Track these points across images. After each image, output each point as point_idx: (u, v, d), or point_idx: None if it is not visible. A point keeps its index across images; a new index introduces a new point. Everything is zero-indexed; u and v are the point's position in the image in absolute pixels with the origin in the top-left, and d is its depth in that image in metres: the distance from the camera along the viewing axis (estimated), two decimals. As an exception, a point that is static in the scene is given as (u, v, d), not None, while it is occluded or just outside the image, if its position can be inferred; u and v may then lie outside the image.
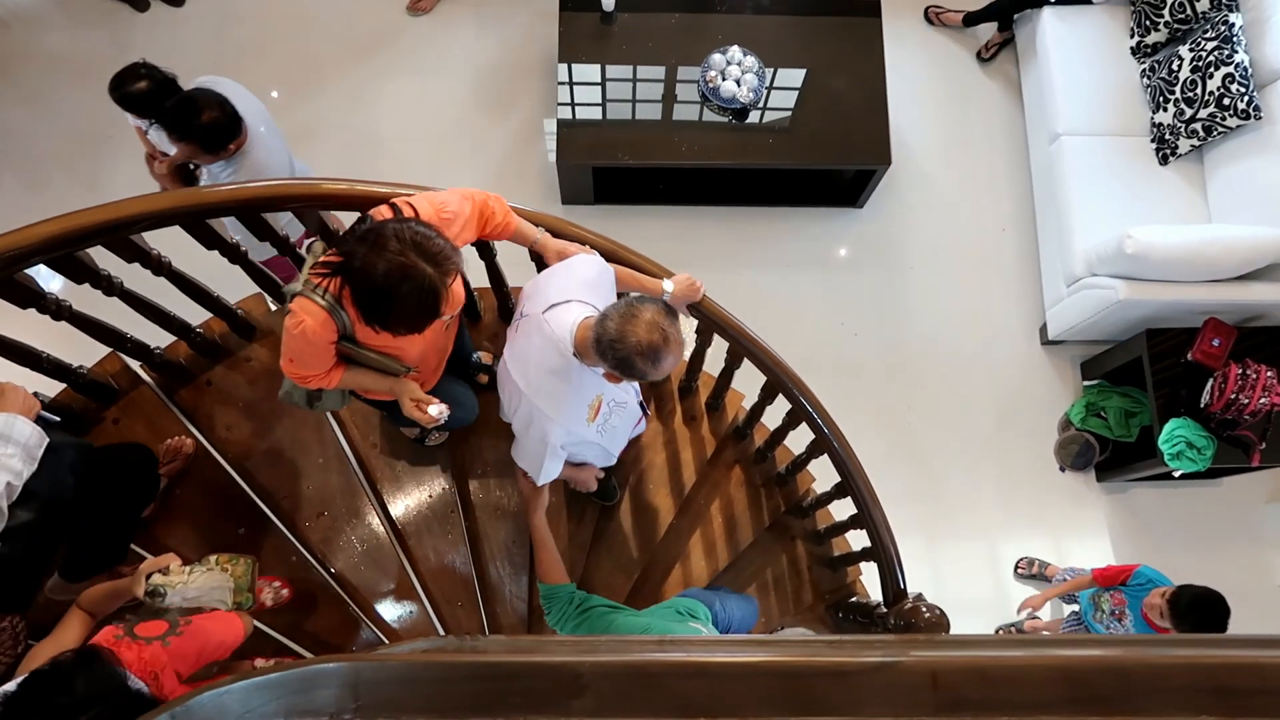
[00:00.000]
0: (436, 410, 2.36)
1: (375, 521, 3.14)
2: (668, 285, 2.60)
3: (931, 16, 5.10)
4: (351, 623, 3.07)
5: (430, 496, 3.22)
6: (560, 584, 2.46)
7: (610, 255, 2.74)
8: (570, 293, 2.27)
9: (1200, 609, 3.04)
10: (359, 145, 4.77)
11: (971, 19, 4.98)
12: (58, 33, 4.92)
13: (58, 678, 1.82)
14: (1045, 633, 4.08)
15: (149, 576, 2.22)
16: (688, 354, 3.35)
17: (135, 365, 3.08)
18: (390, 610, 3.09)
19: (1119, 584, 3.41)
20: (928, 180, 4.85)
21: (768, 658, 1.27)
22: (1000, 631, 4.16)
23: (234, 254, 2.75)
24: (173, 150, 3.20)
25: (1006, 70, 5.07)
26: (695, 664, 1.25)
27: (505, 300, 3.28)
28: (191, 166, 3.22)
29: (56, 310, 2.53)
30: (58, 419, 2.84)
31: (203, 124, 2.92)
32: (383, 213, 2.12)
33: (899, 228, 4.78)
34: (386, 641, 3.03)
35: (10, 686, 1.81)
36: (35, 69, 4.85)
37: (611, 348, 2.03)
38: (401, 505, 3.21)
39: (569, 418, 2.30)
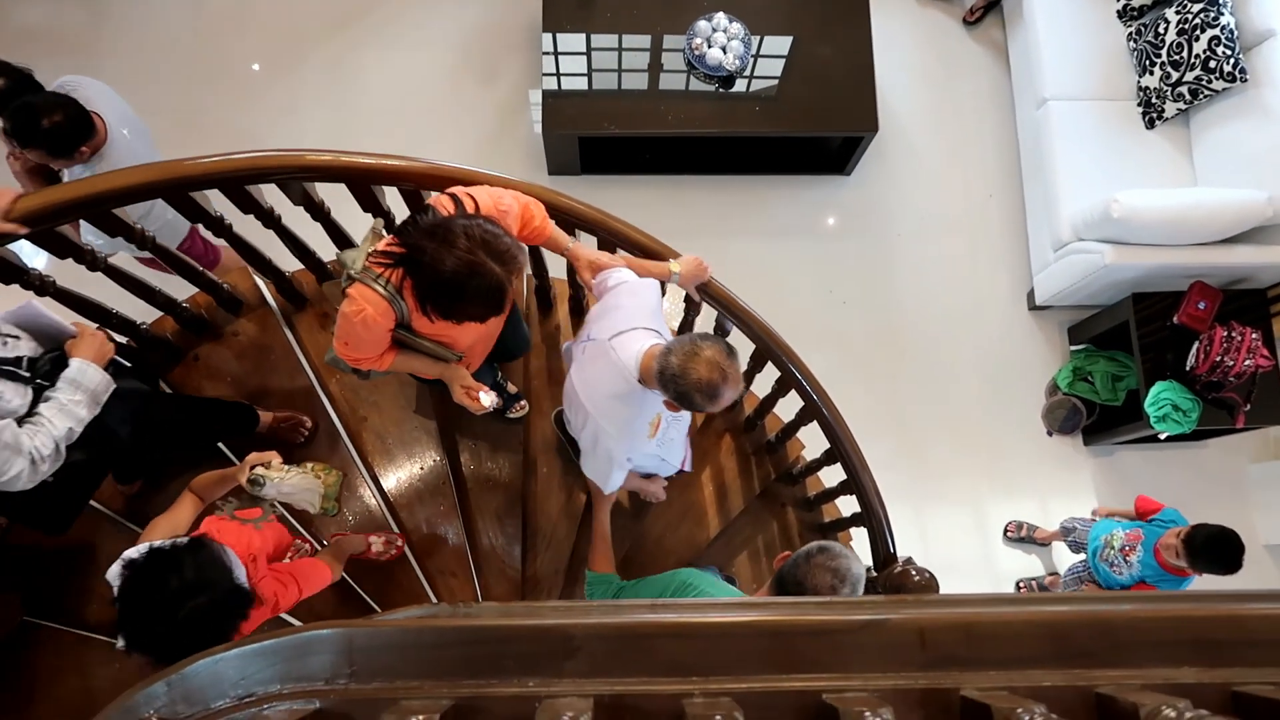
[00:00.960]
0: (488, 400, 2.44)
1: (367, 494, 3.15)
2: (675, 267, 2.64)
3: None
4: (344, 594, 3.08)
5: (421, 469, 3.22)
6: (607, 573, 2.70)
7: (612, 232, 2.75)
8: (635, 320, 2.36)
9: (1216, 546, 3.10)
10: (341, 117, 4.72)
11: (959, -15, 4.96)
12: (33, 5, 4.84)
13: (172, 558, 1.93)
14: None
15: (253, 466, 2.34)
16: (676, 324, 3.35)
17: (122, 340, 3.06)
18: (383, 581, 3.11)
19: (1145, 520, 3.46)
20: (915, 147, 4.84)
21: (756, 617, 1.28)
22: (1021, 586, 4.22)
23: (219, 226, 2.73)
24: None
25: (993, 35, 5.05)
26: (685, 624, 1.26)
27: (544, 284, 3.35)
28: (55, 168, 3.06)
29: (40, 286, 2.51)
30: (129, 365, 2.82)
31: (44, 129, 2.80)
32: (444, 204, 2.15)
33: (886, 195, 4.77)
34: (380, 611, 3.04)
35: (133, 553, 1.97)
36: (8, 42, 4.76)
37: (673, 381, 2.11)
38: (393, 478, 3.21)
39: (632, 436, 2.44)
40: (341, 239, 2.99)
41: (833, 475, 3.35)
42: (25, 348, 2.19)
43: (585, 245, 2.65)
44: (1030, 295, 4.60)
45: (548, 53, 4.29)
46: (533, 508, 3.36)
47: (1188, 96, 4.18)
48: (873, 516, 3.09)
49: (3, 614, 2.73)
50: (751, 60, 4.30)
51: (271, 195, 2.76)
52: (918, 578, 2.87)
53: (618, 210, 2.81)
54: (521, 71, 4.87)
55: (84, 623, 2.83)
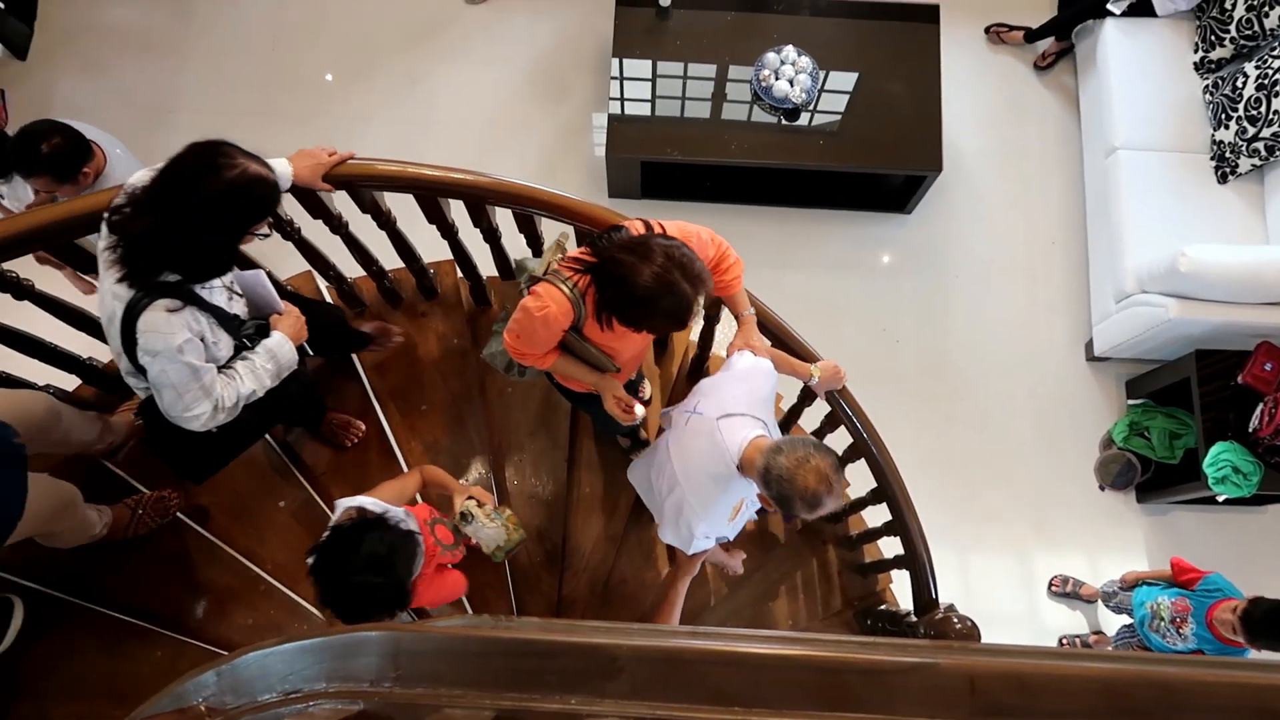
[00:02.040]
0: (640, 411, 2.52)
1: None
2: (815, 372, 2.71)
3: (993, 35, 5.04)
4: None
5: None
6: None
7: (766, 323, 2.80)
8: (746, 407, 2.38)
9: (1276, 623, 2.94)
10: (409, 129, 4.81)
11: (1033, 36, 4.92)
12: (121, 6, 5.02)
13: (382, 530, 2.18)
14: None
15: (468, 498, 2.59)
16: (699, 328, 3.32)
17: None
18: (421, 589, 3.12)
19: (1187, 588, 3.33)
20: (978, 189, 4.80)
21: (805, 651, 1.27)
22: (1064, 642, 4.12)
23: (288, 230, 2.79)
24: (32, 198, 3.14)
25: (1063, 81, 5.00)
26: (731, 653, 1.25)
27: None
28: (60, 195, 3.06)
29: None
30: (310, 352, 2.88)
31: (45, 155, 2.85)
32: (636, 227, 2.22)
33: (946, 236, 4.73)
34: (415, 618, 3.06)
35: (357, 503, 2.30)
36: (98, 41, 4.95)
37: (778, 482, 2.12)
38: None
39: (715, 516, 2.46)
40: (405, 249, 3.05)
41: (876, 515, 3.30)
42: (240, 308, 2.32)
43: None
44: (1089, 345, 4.52)
45: (616, 77, 4.34)
46: (573, 527, 3.36)
47: (1263, 152, 4.09)
48: (916, 560, 3.04)
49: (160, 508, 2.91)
50: (817, 94, 4.31)
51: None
52: (959, 625, 2.82)
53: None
54: (587, 94, 4.93)
55: (130, 608, 2.88)
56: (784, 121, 4.31)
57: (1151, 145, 4.35)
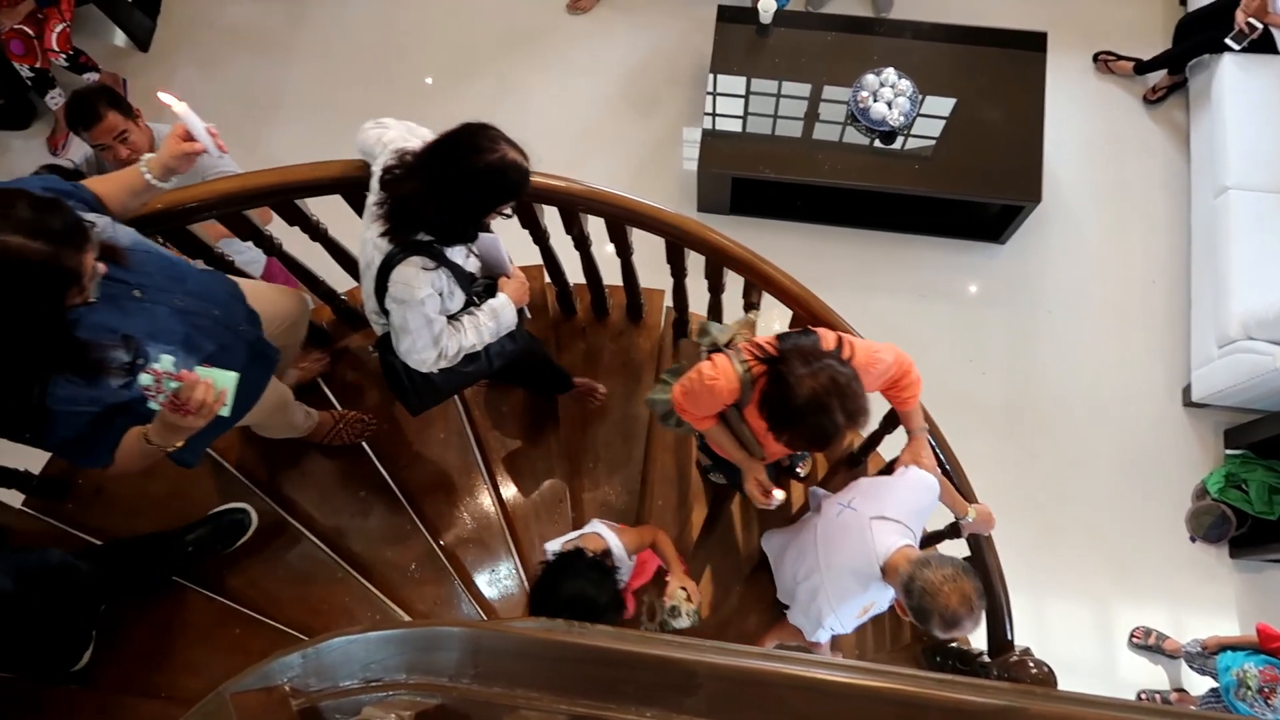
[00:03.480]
0: (779, 497, 2.58)
1: (486, 502, 3.21)
2: (971, 514, 2.73)
3: (1101, 65, 4.91)
4: (450, 597, 3.13)
5: (542, 485, 3.27)
6: None
7: (772, 282, 2.77)
8: (902, 515, 2.41)
9: None
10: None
11: (1143, 68, 4.77)
12: (239, 5, 5.22)
13: (601, 575, 2.30)
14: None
15: (681, 588, 2.67)
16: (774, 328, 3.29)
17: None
18: (490, 589, 3.15)
19: (1277, 655, 3.17)
20: (1077, 222, 4.66)
21: (888, 685, 1.24)
22: (1143, 697, 3.96)
23: (313, 232, 2.86)
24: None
25: (1174, 116, 4.84)
26: (812, 679, 1.22)
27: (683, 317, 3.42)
28: None
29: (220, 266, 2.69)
30: (529, 315, 2.95)
31: (99, 90, 3.08)
32: (828, 338, 2.26)
33: (1041, 268, 4.60)
34: (485, 618, 3.09)
35: (611, 542, 2.50)
36: (214, 37, 5.15)
37: (920, 595, 2.16)
38: (513, 488, 3.27)
39: (846, 611, 2.49)
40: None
41: (954, 548, 3.22)
42: (474, 266, 2.47)
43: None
44: (1186, 391, 4.34)
45: (712, 93, 4.34)
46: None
47: (1388, 200, 3.89)
48: (993, 598, 2.96)
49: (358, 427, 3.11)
50: (914, 118, 4.25)
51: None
52: (1035, 670, 2.73)
53: (762, 254, 2.81)
54: (680, 108, 4.94)
55: (221, 588, 2.98)
56: (879, 144, 4.26)
57: (1266, 187, 4.17)
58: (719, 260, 2.77)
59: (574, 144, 4.86)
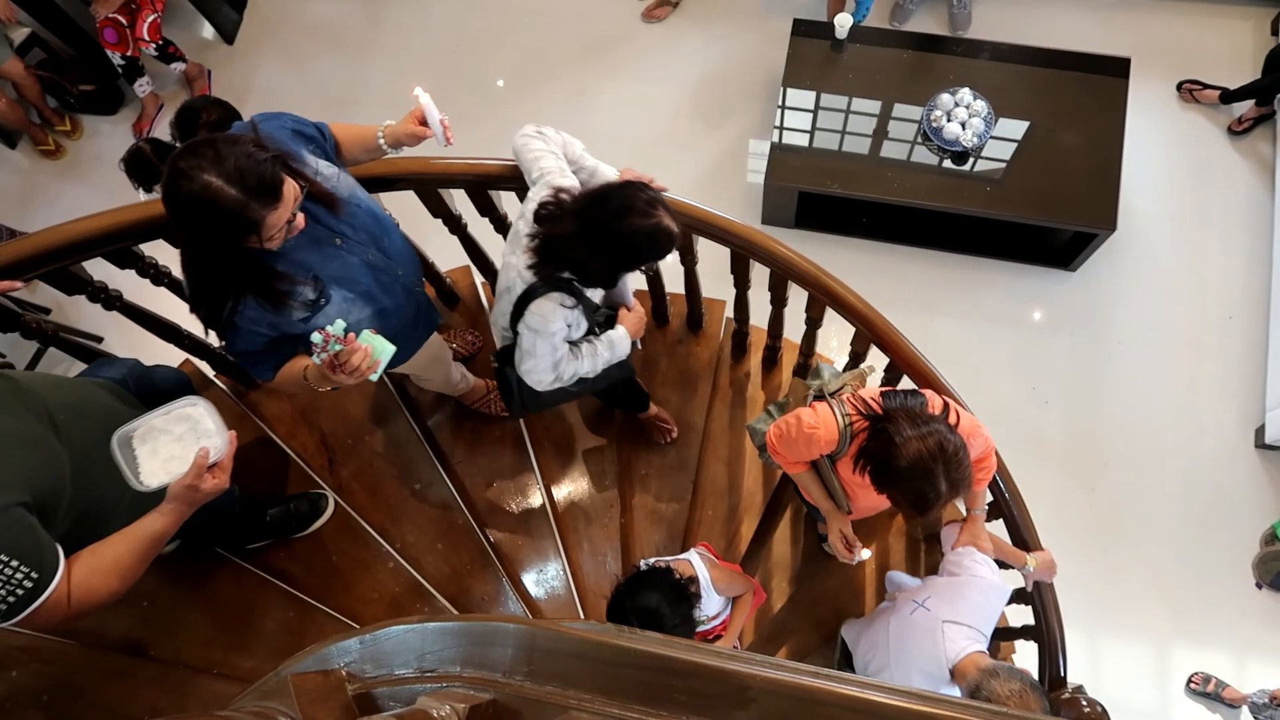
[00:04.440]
0: (863, 555, 2.60)
1: (537, 502, 3.23)
2: (1031, 564, 2.71)
3: (1185, 93, 4.79)
4: (497, 594, 3.15)
5: (593, 489, 3.28)
6: None
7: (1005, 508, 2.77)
8: (974, 620, 2.39)
9: None
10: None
11: (1230, 97, 4.64)
12: (322, 3, 5.34)
13: (677, 596, 2.34)
14: None
15: None
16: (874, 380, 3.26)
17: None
18: (536, 589, 3.16)
19: None
20: (1152, 253, 4.55)
21: (942, 711, 1.21)
22: None
23: (455, 224, 2.89)
24: None
25: (1259, 148, 4.69)
26: (866, 701, 1.21)
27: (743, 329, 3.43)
28: None
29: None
30: (640, 347, 3.03)
31: (204, 123, 3.03)
32: (934, 401, 2.28)
33: (1112, 298, 4.50)
34: (530, 616, 3.10)
35: (701, 572, 2.59)
36: (297, 33, 5.28)
37: (985, 704, 2.15)
38: (564, 490, 3.28)
39: None
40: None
41: (1007, 580, 3.15)
42: (599, 296, 2.52)
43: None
44: (1259, 432, 4.20)
45: (784, 106, 4.32)
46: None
47: None
48: (1048, 633, 2.89)
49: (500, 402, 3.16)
50: (988, 139, 4.18)
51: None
52: (1088, 709, 2.65)
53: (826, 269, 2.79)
54: (750, 120, 4.93)
55: (269, 566, 3.03)
56: (950, 164, 4.20)
57: (1355, 225, 4.03)
58: (785, 273, 2.75)
59: (641, 151, 4.88)
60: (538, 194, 2.33)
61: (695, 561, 2.64)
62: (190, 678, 2.76)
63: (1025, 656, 3.09)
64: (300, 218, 1.94)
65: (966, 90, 4.19)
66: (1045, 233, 4.45)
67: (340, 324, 1.93)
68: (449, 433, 3.28)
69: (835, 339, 4.01)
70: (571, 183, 2.34)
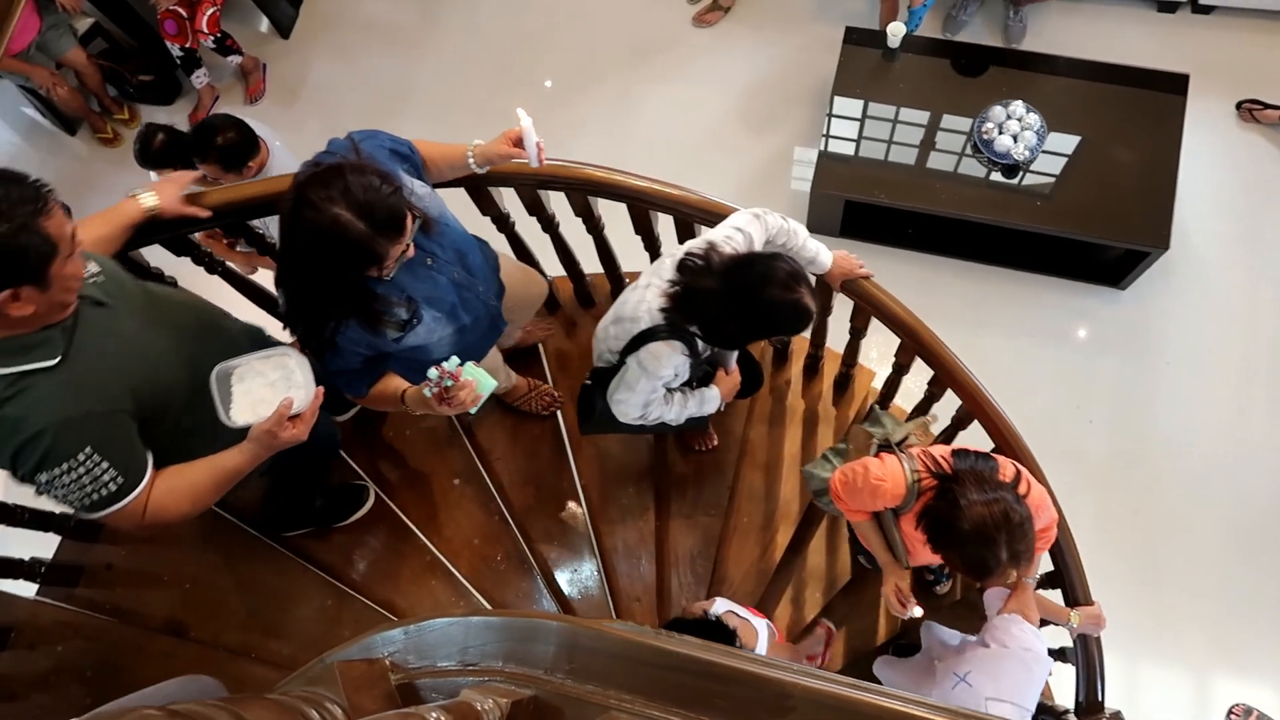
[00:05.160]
0: (915, 613, 2.60)
1: (573, 500, 3.24)
2: (1075, 619, 2.68)
3: (1245, 112, 4.69)
4: (531, 592, 3.17)
5: (630, 492, 3.28)
6: None
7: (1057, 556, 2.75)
8: (1018, 696, 2.36)
9: None
10: (616, 142, 4.93)
11: (1292, 116, 4.55)
12: (377, 2, 5.41)
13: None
14: None
15: None
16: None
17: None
18: (570, 589, 3.17)
19: None
20: (1205, 273, 4.46)
21: (991, 732, 1.20)
22: None
23: (503, 223, 2.92)
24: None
25: (1320, 170, 4.59)
26: (905, 714, 1.20)
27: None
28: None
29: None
30: (723, 409, 3.08)
31: (219, 145, 3.15)
32: (1006, 468, 2.26)
33: (1162, 318, 4.41)
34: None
35: (758, 640, 2.48)
36: (351, 30, 5.35)
37: None
38: (600, 490, 3.28)
39: None
40: (608, 255, 3.12)
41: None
42: (706, 349, 2.51)
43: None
44: (1311, 459, 4.10)
45: (833, 115, 4.30)
46: (725, 555, 3.33)
47: None
48: (1087, 656, 2.84)
49: (545, 400, 3.25)
50: (1039, 153, 4.13)
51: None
52: (1127, 736, 2.62)
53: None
54: (796, 127, 4.91)
55: (309, 555, 3.08)
56: (1000, 177, 4.16)
57: None
58: (830, 283, 2.74)
59: (686, 155, 4.88)
60: (691, 244, 2.35)
61: (761, 636, 2.57)
62: (229, 660, 2.80)
63: (1063, 679, 3.04)
64: (411, 246, 1.98)
65: (1019, 103, 4.15)
66: (1095, 250, 4.38)
67: (455, 360, 1.99)
68: (488, 429, 3.29)
69: (875, 350, 3.97)
70: (729, 249, 2.32)
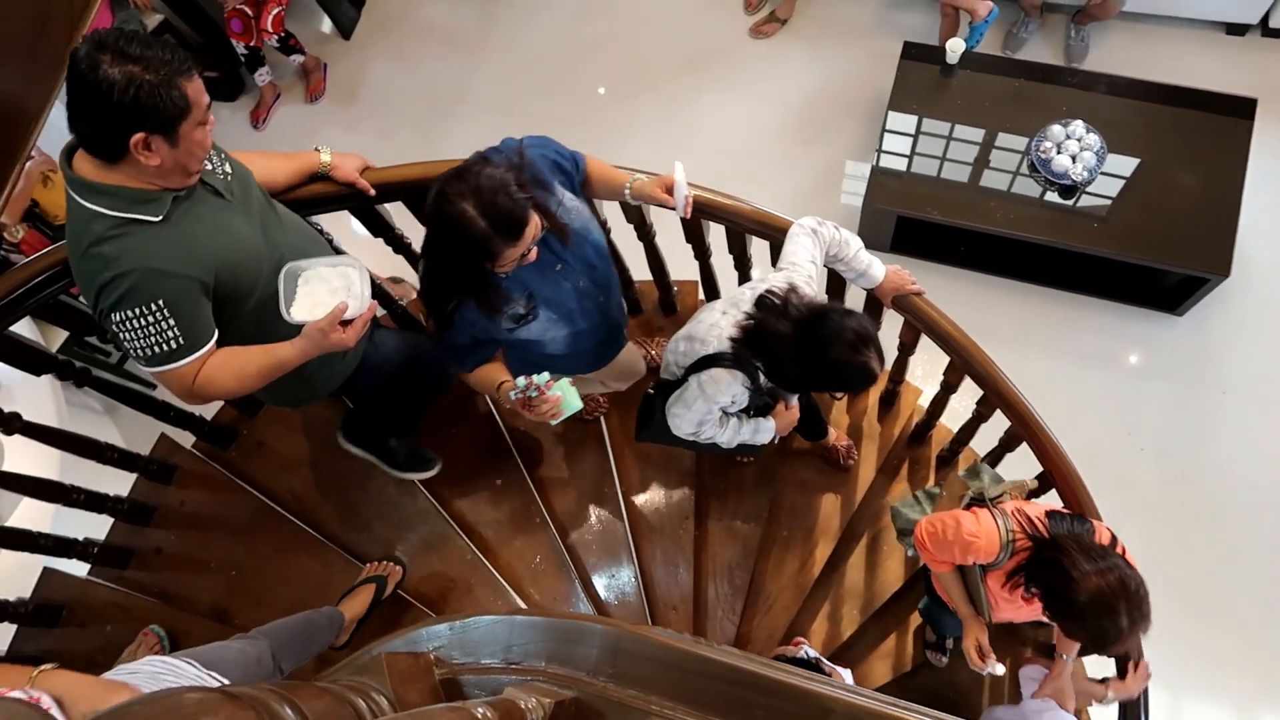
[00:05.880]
0: (996, 670, 2.57)
1: (613, 505, 3.24)
2: (1111, 694, 2.68)
3: None
4: (568, 595, 3.17)
5: (670, 500, 3.28)
6: None
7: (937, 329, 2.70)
8: None
9: None
10: (667, 149, 4.94)
11: (1363, 140, 4.43)
12: (437, 5, 5.49)
13: None
14: None
15: None
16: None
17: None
18: (606, 594, 3.17)
19: None
20: (1267, 301, 4.35)
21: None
22: None
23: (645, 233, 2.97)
24: None
25: (1391, 201, 4.46)
26: (953, 739, 1.18)
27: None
28: None
29: (397, 244, 2.83)
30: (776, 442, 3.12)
31: None
32: (1101, 531, 2.27)
33: (1220, 346, 4.31)
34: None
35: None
36: (411, 33, 5.43)
37: None
38: (641, 497, 3.29)
39: None
40: (658, 263, 3.13)
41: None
42: (766, 382, 2.51)
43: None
44: (1371, 497, 3.98)
45: (888, 130, 4.27)
46: (763, 567, 3.32)
47: None
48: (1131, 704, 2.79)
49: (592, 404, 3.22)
50: (1099, 175, 4.06)
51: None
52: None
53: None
54: (849, 141, 4.88)
55: (359, 554, 3.12)
56: (1056, 197, 4.10)
57: None
58: (881, 298, 2.71)
59: (736, 165, 4.87)
60: (775, 280, 2.36)
61: (848, 681, 2.58)
62: (270, 649, 2.84)
63: (1105, 712, 2.97)
64: (534, 251, 2.07)
65: (1079, 123, 4.08)
66: (1152, 274, 4.29)
67: (545, 376, 2.16)
68: (533, 431, 3.31)
69: (921, 367, 3.92)
70: (809, 290, 2.35)
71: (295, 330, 2.03)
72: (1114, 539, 2.22)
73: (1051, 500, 2.88)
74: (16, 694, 1.52)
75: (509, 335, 2.28)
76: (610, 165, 2.46)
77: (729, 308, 2.42)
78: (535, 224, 2.00)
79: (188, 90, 1.77)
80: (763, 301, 2.26)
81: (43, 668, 1.71)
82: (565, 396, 2.18)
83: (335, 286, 2.04)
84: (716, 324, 2.40)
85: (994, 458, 3.14)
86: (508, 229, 1.95)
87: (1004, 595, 2.29)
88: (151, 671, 1.81)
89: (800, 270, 2.39)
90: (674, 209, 2.32)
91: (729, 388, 2.35)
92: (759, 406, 2.58)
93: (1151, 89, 4.24)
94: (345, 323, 2.02)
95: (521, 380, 2.15)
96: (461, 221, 1.92)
